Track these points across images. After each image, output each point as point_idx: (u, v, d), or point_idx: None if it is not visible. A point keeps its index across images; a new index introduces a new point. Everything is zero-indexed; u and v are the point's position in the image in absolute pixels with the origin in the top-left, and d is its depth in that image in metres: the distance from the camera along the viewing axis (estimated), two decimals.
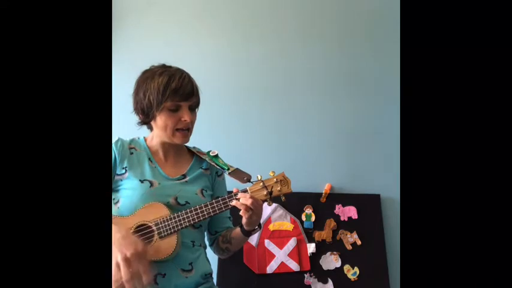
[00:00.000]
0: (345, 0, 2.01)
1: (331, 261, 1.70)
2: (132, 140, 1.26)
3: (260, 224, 1.18)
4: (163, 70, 1.19)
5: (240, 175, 1.18)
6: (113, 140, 1.22)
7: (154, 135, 1.26)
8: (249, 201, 1.08)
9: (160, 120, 1.18)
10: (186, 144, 1.33)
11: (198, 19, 1.99)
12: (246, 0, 2.00)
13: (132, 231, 1.10)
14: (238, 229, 1.20)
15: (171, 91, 1.14)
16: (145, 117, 1.21)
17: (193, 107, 1.21)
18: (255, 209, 1.09)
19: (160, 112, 1.17)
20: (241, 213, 1.10)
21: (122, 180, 1.18)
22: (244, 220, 1.13)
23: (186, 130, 1.19)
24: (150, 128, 1.26)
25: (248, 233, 1.18)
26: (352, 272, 1.69)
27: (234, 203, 1.10)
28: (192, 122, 1.21)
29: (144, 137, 1.29)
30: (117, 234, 0.98)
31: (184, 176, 1.23)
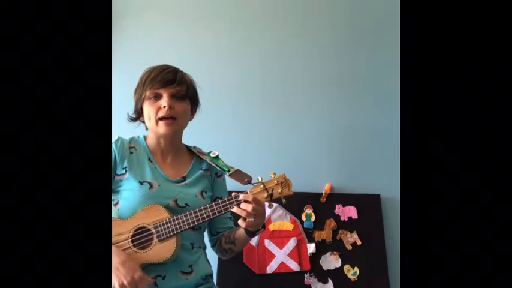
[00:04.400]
0: (344, 1, 2.01)
1: (331, 261, 1.70)
2: (132, 139, 1.26)
3: (264, 224, 1.17)
4: (154, 66, 1.22)
5: (241, 177, 1.17)
6: (113, 139, 1.22)
7: (149, 132, 1.27)
8: (249, 208, 1.07)
9: (144, 112, 1.20)
10: (186, 144, 1.33)
11: (197, 19, 1.98)
12: (245, 1, 2.00)
13: (131, 233, 1.10)
14: (242, 230, 1.18)
15: (150, 80, 1.18)
16: (136, 112, 1.24)
17: (178, 96, 1.19)
18: (256, 214, 1.08)
19: (143, 103, 1.20)
20: (239, 222, 1.09)
21: (121, 180, 1.17)
22: (245, 226, 1.11)
23: (170, 119, 1.17)
24: (146, 127, 1.27)
25: (252, 234, 1.16)
26: (352, 272, 1.69)
27: (234, 209, 1.09)
28: (178, 112, 1.19)
29: (144, 136, 1.28)
30: (116, 259, 1.00)
31: (184, 178, 1.23)
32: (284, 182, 1.13)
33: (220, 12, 1.99)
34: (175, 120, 1.18)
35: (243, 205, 1.08)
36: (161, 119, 1.17)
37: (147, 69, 1.23)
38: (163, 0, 2.00)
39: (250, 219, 1.08)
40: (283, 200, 1.14)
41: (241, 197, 1.10)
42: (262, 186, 1.12)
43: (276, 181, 1.13)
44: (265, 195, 1.11)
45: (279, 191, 1.12)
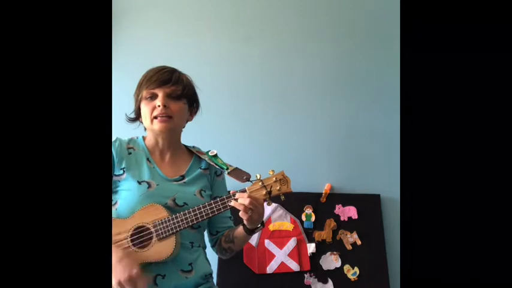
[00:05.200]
0: (344, 1, 2.01)
1: (331, 261, 1.70)
2: (130, 140, 1.26)
3: (263, 222, 1.17)
4: (152, 68, 1.23)
5: (240, 174, 1.17)
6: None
7: (147, 132, 1.27)
8: (247, 201, 1.07)
9: (141, 112, 1.22)
10: (185, 144, 1.33)
11: (198, 19, 1.98)
12: (245, 1, 2.00)
13: (130, 233, 1.10)
14: (241, 228, 1.19)
15: (146, 80, 1.20)
16: (135, 112, 1.26)
17: (174, 96, 1.19)
18: (254, 208, 1.08)
19: (140, 103, 1.22)
20: (240, 214, 1.09)
21: (119, 181, 1.17)
22: (245, 220, 1.12)
23: (165, 117, 1.18)
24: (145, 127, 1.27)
25: (251, 232, 1.17)
26: (352, 272, 1.69)
27: (232, 203, 1.10)
28: (174, 111, 1.19)
29: (143, 137, 1.29)
30: (113, 257, 1.01)
31: (183, 177, 1.23)
32: (283, 179, 1.13)
33: (220, 12, 1.99)
34: (171, 119, 1.19)
35: (240, 199, 1.08)
36: (156, 117, 1.18)
37: (146, 71, 1.24)
38: (164, 0, 2.00)
39: (248, 213, 1.08)
40: (282, 197, 1.13)
41: (237, 195, 1.10)
42: (260, 183, 1.12)
43: (274, 178, 1.13)
44: (264, 192, 1.11)
45: (278, 188, 1.12)
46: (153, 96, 1.19)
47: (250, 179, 1.14)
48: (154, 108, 1.18)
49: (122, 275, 0.98)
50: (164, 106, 1.17)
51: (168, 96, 1.19)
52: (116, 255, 1.02)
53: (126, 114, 1.27)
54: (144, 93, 1.19)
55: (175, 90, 1.20)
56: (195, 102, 1.30)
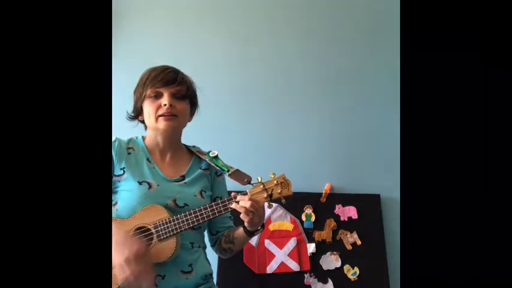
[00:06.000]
0: (344, 1, 2.01)
1: (331, 261, 1.70)
2: (130, 140, 1.26)
3: (263, 224, 1.17)
4: (154, 67, 1.23)
5: (240, 177, 1.17)
6: None
7: (148, 131, 1.27)
8: (248, 204, 1.07)
9: (144, 110, 1.21)
10: (185, 144, 1.33)
11: (197, 19, 1.99)
12: (245, 1, 2.00)
13: (131, 233, 1.09)
14: (241, 229, 1.19)
15: (151, 79, 1.19)
16: (135, 111, 1.25)
17: (178, 96, 1.20)
18: (255, 211, 1.08)
19: (144, 102, 1.21)
20: (241, 216, 1.09)
21: (119, 181, 1.17)
22: (245, 222, 1.12)
23: (171, 116, 1.18)
24: (145, 126, 1.27)
25: (251, 234, 1.17)
26: (352, 272, 1.69)
27: (233, 205, 1.09)
28: (179, 110, 1.20)
29: (143, 136, 1.29)
30: (116, 236, 1.00)
31: (183, 177, 1.23)
32: (284, 182, 1.13)
33: (221, 13, 1.99)
34: (176, 118, 1.19)
35: (241, 202, 1.08)
36: (161, 115, 1.18)
37: (147, 69, 1.24)
38: (164, 0, 2.00)
39: (249, 216, 1.08)
40: (283, 200, 1.14)
41: (238, 198, 1.10)
42: (262, 186, 1.12)
43: (275, 181, 1.13)
44: (265, 195, 1.11)
45: (279, 191, 1.12)
46: (158, 95, 1.19)
47: (251, 182, 1.14)
48: (159, 107, 1.18)
49: (130, 251, 0.98)
50: (171, 105, 1.17)
51: (173, 96, 1.19)
52: (118, 234, 1.02)
53: (127, 111, 1.27)
54: (149, 91, 1.19)
55: (180, 90, 1.20)
56: (195, 104, 1.30)
